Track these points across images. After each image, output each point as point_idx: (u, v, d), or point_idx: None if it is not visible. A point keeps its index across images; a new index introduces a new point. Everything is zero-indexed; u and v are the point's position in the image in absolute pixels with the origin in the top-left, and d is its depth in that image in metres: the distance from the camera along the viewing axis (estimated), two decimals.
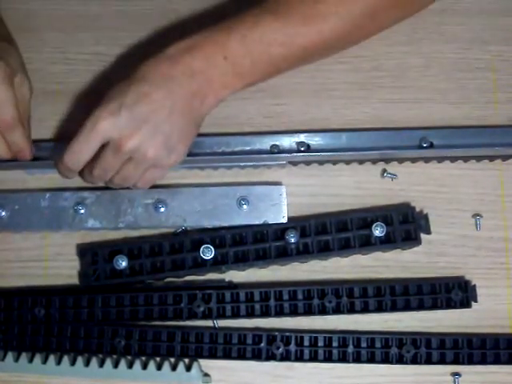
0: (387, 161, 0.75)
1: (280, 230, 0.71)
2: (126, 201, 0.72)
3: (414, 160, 0.75)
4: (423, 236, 0.72)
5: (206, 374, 0.71)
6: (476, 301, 0.71)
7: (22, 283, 0.73)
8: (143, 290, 0.71)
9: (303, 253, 0.71)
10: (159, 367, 0.70)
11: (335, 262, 0.73)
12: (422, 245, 0.72)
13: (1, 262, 0.74)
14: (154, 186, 0.73)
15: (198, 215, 0.72)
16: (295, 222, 0.72)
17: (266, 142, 0.74)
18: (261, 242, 0.71)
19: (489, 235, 0.74)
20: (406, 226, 0.71)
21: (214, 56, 0.66)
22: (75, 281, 0.73)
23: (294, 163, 0.74)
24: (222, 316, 0.70)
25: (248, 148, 0.74)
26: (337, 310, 0.70)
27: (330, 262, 0.73)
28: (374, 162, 0.75)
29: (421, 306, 0.70)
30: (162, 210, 0.72)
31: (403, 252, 0.73)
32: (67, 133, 0.75)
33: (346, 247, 0.71)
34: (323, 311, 0.70)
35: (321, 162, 0.75)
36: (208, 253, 0.70)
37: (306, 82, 0.75)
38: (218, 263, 0.71)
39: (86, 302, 0.70)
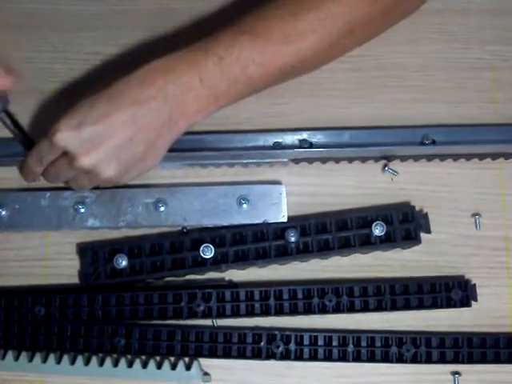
0: (389, 158, 0.75)
1: (280, 229, 0.71)
2: (126, 200, 0.72)
3: (416, 158, 0.75)
4: (423, 235, 0.72)
5: (206, 373, 0.71)
6: (476, 300, 0.71)
7: (23, 282, 0.73)
8: (143, 289, 0.71)
9: (303, 252, 0.71)
10: (159, 366, 0.70)
11: (335, 261, 0.73)
12: (422, 244, 0.72)
13: (1, 261, 0.74)
14: (154, 185, 0.73)
15: (198, 214, 0.72)
16: (295, 221, 0.72)
17: (269, 140, 0.74)
18: (261, 241, 0.71)
19: (489, 234, 0.74)
20: (405, 225, 0.71)
21: (189, 79, 0.64)
22: (75, 280, 0.73)
23: (297, 161, 0.75)
24: (222, 315, 0.70)
25: (250, 145, 0.74)
26: (337, 309, 0.70)
27: (330, 261, 0.73)
28: (377, 159, 0.75)
29: (421, 305, 0.70)
30: (162, 209, 0.72)
31: (403, 251, 0.73)
32: None
33: (346, 246, 0.71)
34: (323, 310, 0.70)
35: (323, 160, 0.75)
36: (208, 252, 0.70)
37: (306, 81, 0.75)
38: (218, 262, 0.71)
39: (86, 301, 0.70)
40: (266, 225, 0.72)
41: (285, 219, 0.72)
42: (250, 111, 0.76)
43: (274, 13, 0.66)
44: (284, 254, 0.71)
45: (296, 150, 0.73)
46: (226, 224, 0.72)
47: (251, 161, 0.74)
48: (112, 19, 0.81)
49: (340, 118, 0.77)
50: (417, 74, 0.79)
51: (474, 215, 0.74)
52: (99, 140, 0.63)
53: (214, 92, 0.65)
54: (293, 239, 0.70)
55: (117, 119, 0.63)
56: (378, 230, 0.70)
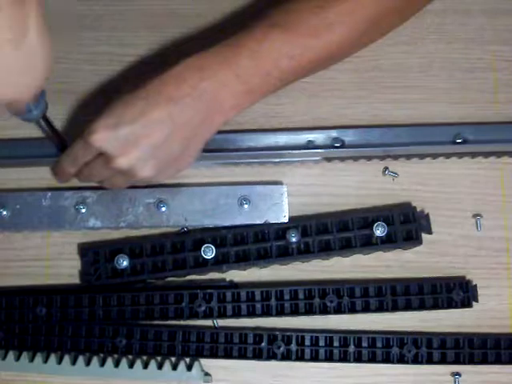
0: (421, 157, 0.75)
1: (281, 230, 0.71)
2: (128, 200, 0.72)
3: (447, 156, 0.75)
4: (424, 236, 0.72)
5: (207, 374, 0.71)
6: (477, 301, 0.71)
7: (24, 282, 0.73)
8: (144, 289, 0.71)
9: (304, 252, 0.71)
10: (160, 367, 0.70)
11: (336, 262, 0.73)
12: (423, 245, 0.72)
13: (2, 261, 0.74)
14: (156, 186, 0.73)
15: (199, 215, 0.72)
16: (296, 222, 0.72)
17: (302, 138, 0.74)
18: (262, 242, 0.71)
19: (490, 235, 0.75)
20: (407, 225, 0.71)
21: (225, 74, 0.64)
22: (76, 280, 0.73)
23: (329, 159, 0.75)
24: (223, 315, 0.70)
25: (282, 144, 0.74)
26: (338, 310, 0.70)
27: (331, 261, 0.73)
28: (409, 157, 0.75)
29: (422, 306, 0.70)
30: (164, 209, 0.72)
31: (404, 252, 0.73)
32: (68, 131, 0.75)
33: (347, 247, 0.71)
34: (324, 311, 0.70)
35: (355, 158, 0.75)
36: (209, 252, 0.70)
37: (308, 81, 0.75)
38: (219, 263, 0.71)
39: (87, 302, 0.70)
40: (267, 225, 0.72)
41: (286, 219, 0.72)
42: (252, 110, 0.75)
43: (303, 5, 0.66)
44: (285, 254, 0.71)
45: (329, 149, 0.73)
46: (227, 224, 0.72)
47: (284, 160, 0.74)
48: (113, 19, 0.80)
49: (340, 117, 0.77)
50: (417, 75, 0.79)
51: (474, 216, 0.74)
52: (136, 139, 0.62)
53: (249, 87, 0.65)
54: (294, 240, 0.70)
55: (154, 117, 0.62)
56: (379, 231, 0.70)
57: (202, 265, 0.71)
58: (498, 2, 0.81)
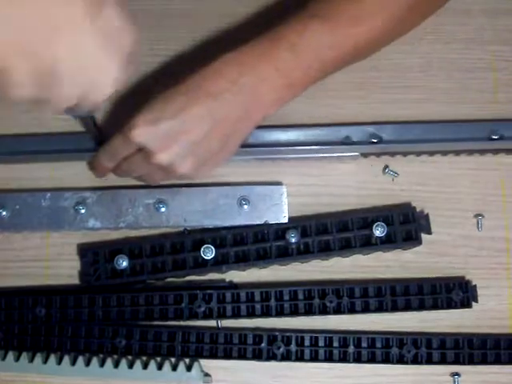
0: (457, 153, 0.75)
1: (281, 230, 0.71)
2: (127, 200, 0.72)
3: (482, 152, 0.75)
4: (424, 236, 0.72)
5: (207, 374, 0.71)
6: (476, 301, 0.71)
7: (23, 283, 0.73)
8: (144, 289, 0.71)
9: (304, 253, 0.71)
10: (160, 367, 0.70)
11: (336, 262, 0.73)
12: (423, 245, 0.72)
13: (1, 261, 0.74)
14: (155, 186, 0.73)
15: (199, 215, 0.72)
16: (296, 222, 0.72)
17: (339, 134, 0.74)
18: (261, 242, 0.71)
19: (490, 235, 0.74)
20: (406, 226, 0.71)
21: (264, 69, 0.63)
22: (76, 281, 0.73)
23: (366, 155, 0.75)
24: (223, 316, 0.70)
25: (321, 139, 0.74)
26: (337, 310, 0.70)
27: (330, 262, 0.73)
28: (444, 154, 0.75)
29: (421, 306, 0.70)
30: (163, 209, 0.72)
31: (404, 252, 0.73)
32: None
33: (346, 247, 0.71)
34: (324, 311, 0.70)
35: (392, 154, 0.75)
36: (209, 253, 0.70)
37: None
38: (218, 263, 0.71)
39: (87, 302, 0.70)
40: (266, 225, 0.72)
41: (285, 220, 0.72)
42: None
43: None
44: (285, 254, 0.71)
45: (367, 145, 0.73)
46: (226, 225, 0.72)
47: (323, 155, 0.74)
48: None
49: (338, 116, 0.77)
50: (417, 75, 0.79)
51: (476, 216, 0.74)
52: (176, 135, 0.62)
53: (290, 80, 0.64)
54: (293, 240, 0.70)
55: (193, 112, 0.62)
56: (378, 231, 0.70)
57: (202, 265, 0.71)
58: (498, 1, 0.81)
